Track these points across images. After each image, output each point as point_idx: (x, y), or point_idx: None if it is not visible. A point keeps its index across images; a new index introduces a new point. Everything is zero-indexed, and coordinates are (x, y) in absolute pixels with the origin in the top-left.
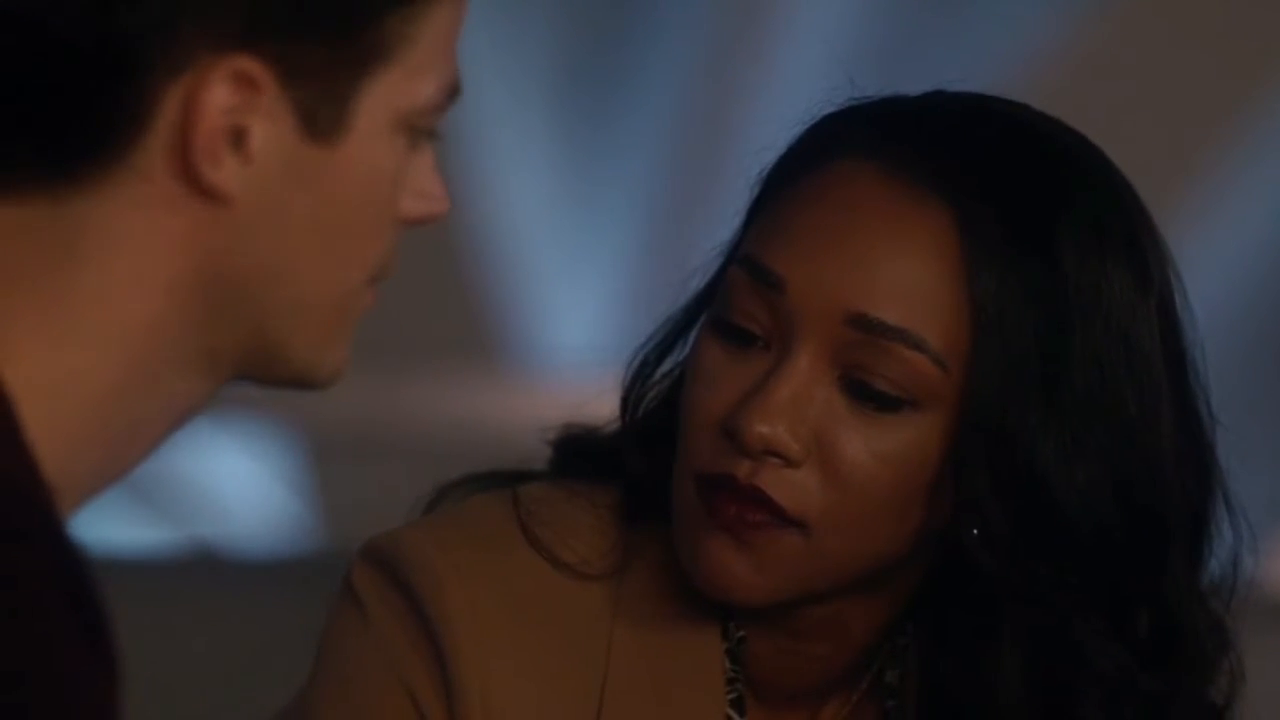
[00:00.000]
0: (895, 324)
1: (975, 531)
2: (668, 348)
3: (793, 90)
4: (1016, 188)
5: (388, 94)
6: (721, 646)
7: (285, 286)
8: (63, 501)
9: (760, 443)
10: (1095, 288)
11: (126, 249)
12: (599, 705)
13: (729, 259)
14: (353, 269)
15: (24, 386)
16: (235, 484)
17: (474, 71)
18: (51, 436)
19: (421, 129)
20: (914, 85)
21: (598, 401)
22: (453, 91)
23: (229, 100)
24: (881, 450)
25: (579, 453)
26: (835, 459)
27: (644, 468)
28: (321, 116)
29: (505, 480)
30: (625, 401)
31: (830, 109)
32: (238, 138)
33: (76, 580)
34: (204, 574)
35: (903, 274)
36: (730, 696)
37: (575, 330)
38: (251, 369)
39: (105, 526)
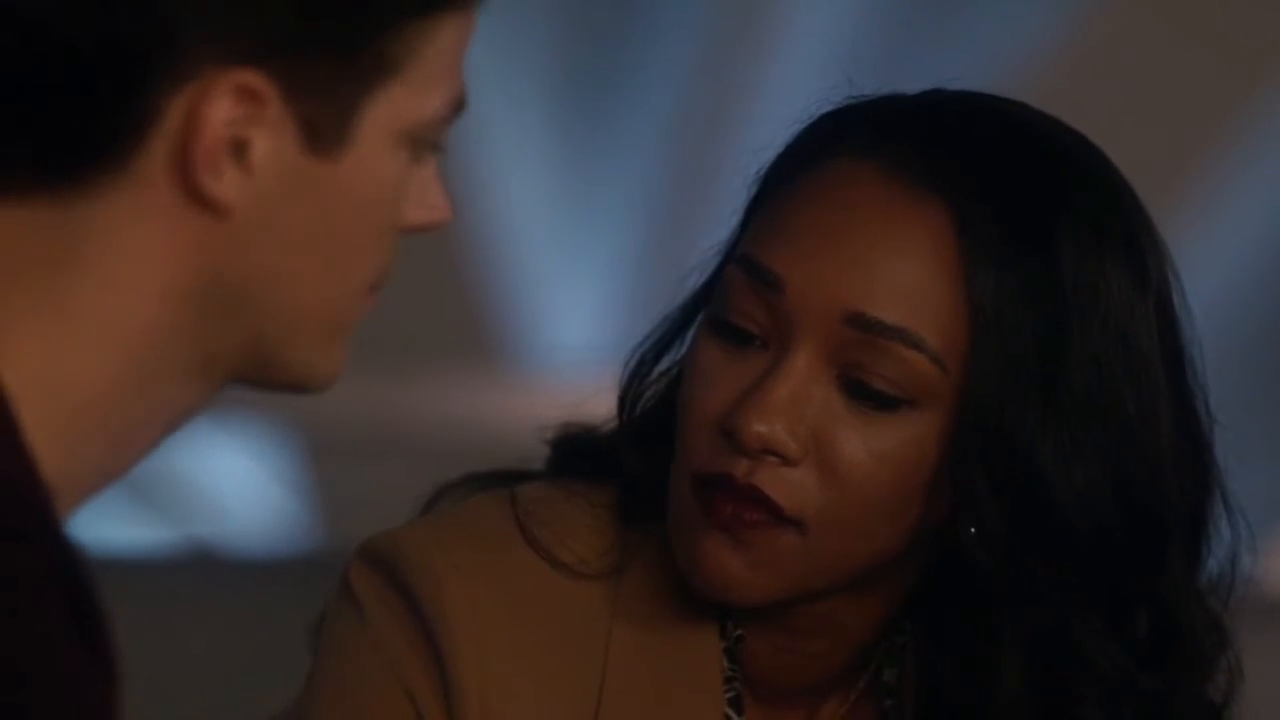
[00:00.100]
0: (893, 323)
1: (973, 530)
2: (665, 347)
3: (791, 90)
4: (1015, 187)
5: (392, 108)
6: (719, 645)
7: (283, 295)
8: (61, 501)
9: (758, 442)
10: (1093, 287)
11: (126, 254)
12: (597, 705)
13: (727, 258)
14: (351, 278)
15: (23, 387)
16: (234, 483)
17: (472, 72)
18: (50, 437)
19: (425, 142)
20: (913, 85)
21: (595, 401)
22: (458, 106)
23: (232, 112)
24: (879, 449)
25: (577, 452)
26: (833, 458)
27: (641, 467)
28: (324, 130)
29: (504, 480)
30: (623, 401)
31: (828, 108)
32: (239, 149)
33: (75, 580)
34: (203, 574)
35: (901, 273)
36: (728, 695)
37: (573, 330)
38: (248, 374)
39: (104, 526)
